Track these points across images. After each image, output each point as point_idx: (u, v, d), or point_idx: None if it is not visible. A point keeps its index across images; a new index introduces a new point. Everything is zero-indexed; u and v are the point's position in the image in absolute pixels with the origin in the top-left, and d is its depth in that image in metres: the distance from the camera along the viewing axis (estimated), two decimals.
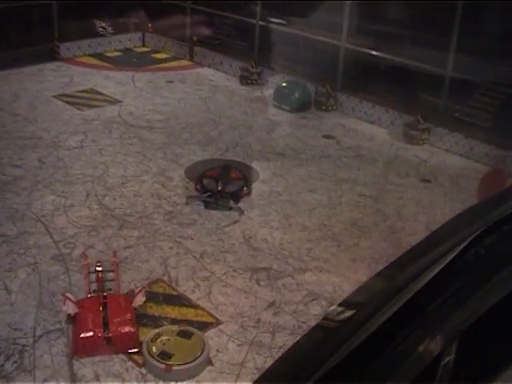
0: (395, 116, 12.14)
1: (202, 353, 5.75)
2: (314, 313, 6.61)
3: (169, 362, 5.62)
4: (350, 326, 1.38)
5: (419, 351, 1.35)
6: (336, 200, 9.16)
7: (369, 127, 12.28)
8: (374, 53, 12.59)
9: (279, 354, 5.79)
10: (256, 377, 5.61)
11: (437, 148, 11.37)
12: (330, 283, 7.12)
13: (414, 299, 1.36)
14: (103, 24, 15.48)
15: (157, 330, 6.00)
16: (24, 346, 5.83)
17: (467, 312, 1.41)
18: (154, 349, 5.73)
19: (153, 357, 5.67)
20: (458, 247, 1.44)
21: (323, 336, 1.47)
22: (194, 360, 5.69)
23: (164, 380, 5.61)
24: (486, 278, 1.46)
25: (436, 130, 11.52)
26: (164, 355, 5.66)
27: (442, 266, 1.40)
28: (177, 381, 5.62)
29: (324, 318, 1.67)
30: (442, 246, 1.46)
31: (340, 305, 1.51)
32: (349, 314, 1.45)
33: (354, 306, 1.48)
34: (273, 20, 13.98)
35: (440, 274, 1.39)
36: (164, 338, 5.88)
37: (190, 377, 5.65)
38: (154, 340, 5.83)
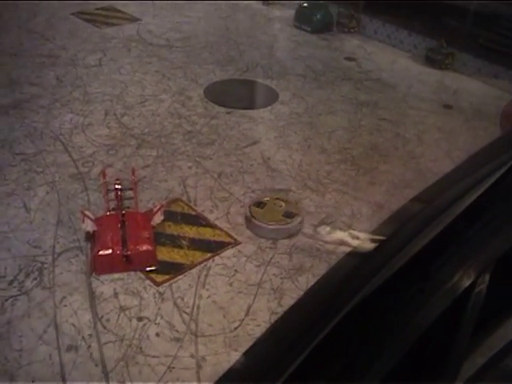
0: (418, 40, 11.87)
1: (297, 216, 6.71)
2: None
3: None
4: (382, 255, 1.34)
5: (455, 279, 1.31)
6: (356, 123, 9.06)
7: (391, 50, 12.07)
8: None
9: (296, 276, 5.82)
10: (272, 297, 5.65)
11: (460, 74, 11.16)
12: (348, 206, 7.10)
13: (451, 225, 1.32)
14: None
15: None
16: (43, 263, 5.88)
17: (503, 239, 1.37)
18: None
19: (256, 218, 6.58)
20: (495, 174, 1.38)
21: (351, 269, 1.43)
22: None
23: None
24: None
25: (459, 55, 11.26)
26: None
27: (480, 192, 1.35)
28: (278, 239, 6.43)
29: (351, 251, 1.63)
30: (479, 172, 1.40)
31: (373, 231, 1.47)
32: (379, 242, 1.41)
33: (388, 232, 1.44)
34: None
35: (477, 200, 1.34)
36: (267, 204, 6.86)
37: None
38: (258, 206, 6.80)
